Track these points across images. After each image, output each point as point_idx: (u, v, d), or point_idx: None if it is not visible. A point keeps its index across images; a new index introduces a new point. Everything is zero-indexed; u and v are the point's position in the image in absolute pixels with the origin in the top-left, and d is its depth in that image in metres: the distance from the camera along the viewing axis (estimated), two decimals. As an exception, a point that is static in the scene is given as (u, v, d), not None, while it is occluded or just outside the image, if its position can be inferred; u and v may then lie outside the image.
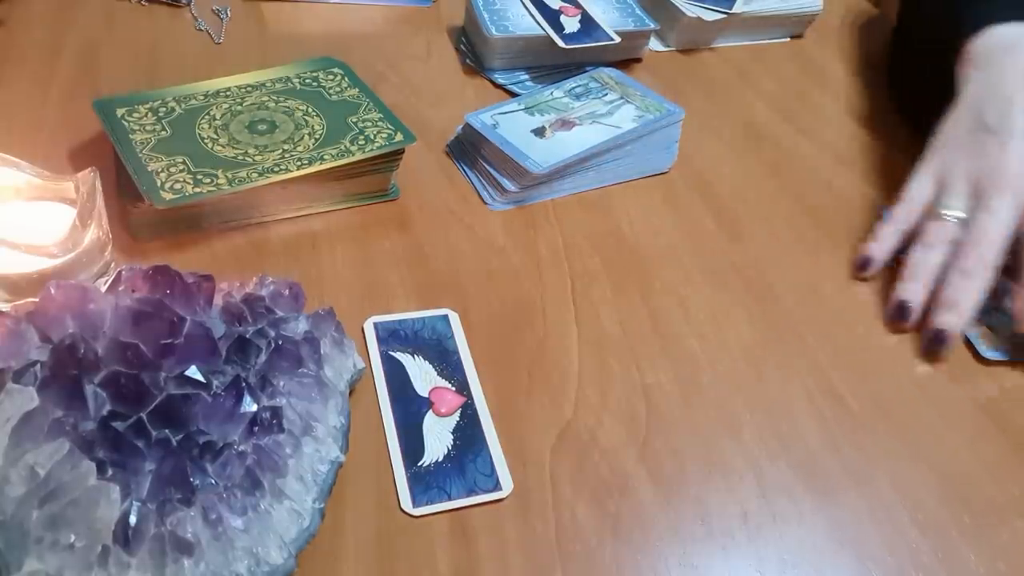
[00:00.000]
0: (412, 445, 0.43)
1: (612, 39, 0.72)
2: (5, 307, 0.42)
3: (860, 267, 0.56)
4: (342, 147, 0.55)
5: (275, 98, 0.60)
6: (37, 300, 0.38)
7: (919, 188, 0.57)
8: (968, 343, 0.53)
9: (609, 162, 0.61)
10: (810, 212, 0.62)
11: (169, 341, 0.37)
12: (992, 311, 0.53)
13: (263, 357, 0.40)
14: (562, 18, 0.73)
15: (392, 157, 0.56)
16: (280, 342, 0.41)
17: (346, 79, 0.62)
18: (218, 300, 0.41)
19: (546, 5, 0.74)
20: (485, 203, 0.59)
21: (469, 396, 0.46)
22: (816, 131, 0.71)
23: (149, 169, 0.52)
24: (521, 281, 0.54)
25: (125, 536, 0.33)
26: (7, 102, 0.62)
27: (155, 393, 0.36)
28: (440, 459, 0.43)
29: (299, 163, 0.53)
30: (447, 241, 0.56)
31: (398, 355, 0.48)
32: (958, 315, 0.51)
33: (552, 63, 0.73)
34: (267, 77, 0.62)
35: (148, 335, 0.37)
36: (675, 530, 0.41)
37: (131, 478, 0.34)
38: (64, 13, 0.73)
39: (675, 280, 0.55)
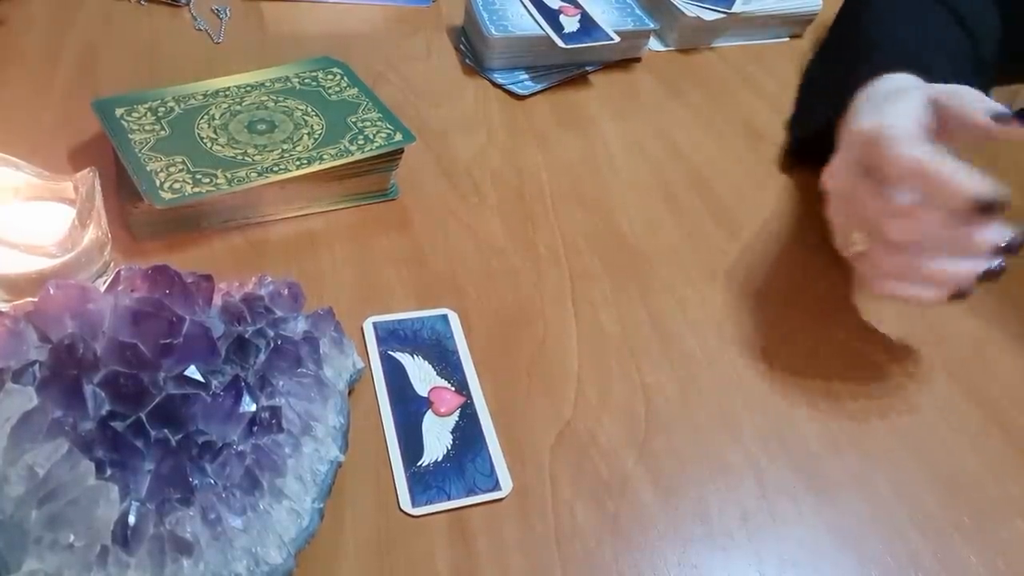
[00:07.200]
0: (411, 445, 0.43)
1: (612, 39, 0.72)
2: (5, 307, 0.42)
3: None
4: (341, 147, 0.55)
5: (274, 98, 0.60)
6: (36, 300, 0.38)
7: None
8: None
9: None
10: (810, 212, 0.62)
11: (168, 341, 0.37)
12: None
13: (262, 357, 0.40)
14: (562, 18, 0.73)
15: (392, 157, 0.56)
16: (279, 342, 0.41)
17: (345, 79, 0.62)
18: (217, 300, 0.41)
19: (546, 5, 0.74)
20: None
21: (468, 396, 0.46)
22: (816, 131, 0.70)
23: (148, 169, 0.52)
24: (521, 281, 0.54)
25: (124, 536, 0.33)
26: (7, 102, 0.62)
27: (154, 393, 0.36)
28: (439, 459, 0.43)
29: (298, 163, 0.53)
30: (447, 241, 0.56)
31: (397, 355, 0.48)
32: None
33: (551, 63, 0.73)
34: (266, 77, 0.62)
35: (147, 335, 0.37)
36: (675, 530, 0.41)
37: (130, 478, 0.34)
38: (64, 13, 0.73)
39: (675, 280, 0.55)
